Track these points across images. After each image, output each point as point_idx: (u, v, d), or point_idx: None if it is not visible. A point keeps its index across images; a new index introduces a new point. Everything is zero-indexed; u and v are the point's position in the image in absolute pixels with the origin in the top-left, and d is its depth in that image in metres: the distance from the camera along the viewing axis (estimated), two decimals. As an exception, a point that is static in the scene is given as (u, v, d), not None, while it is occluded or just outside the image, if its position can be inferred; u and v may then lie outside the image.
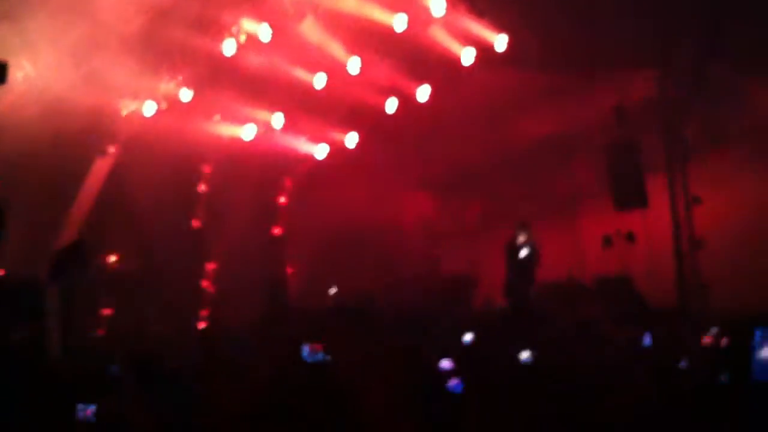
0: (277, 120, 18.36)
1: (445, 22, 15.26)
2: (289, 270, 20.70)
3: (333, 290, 18.21)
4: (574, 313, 14.09)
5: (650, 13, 13.40)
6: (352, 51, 16.19)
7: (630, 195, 16.09)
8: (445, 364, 9.76)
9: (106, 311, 17.38)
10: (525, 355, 11.20)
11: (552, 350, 11.86)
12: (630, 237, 15.84)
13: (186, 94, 16.86)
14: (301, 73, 16.82)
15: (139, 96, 16.86)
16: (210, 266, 19.97)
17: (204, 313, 19.41)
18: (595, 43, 14.12)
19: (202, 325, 18.96)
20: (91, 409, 5.52)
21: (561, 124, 16.49)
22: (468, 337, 12.17)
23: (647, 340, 11.70)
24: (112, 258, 18.43)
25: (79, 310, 14.83)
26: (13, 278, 15.57)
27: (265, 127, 18.58)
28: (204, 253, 19.88)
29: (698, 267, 15.25)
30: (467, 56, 15.82)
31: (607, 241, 16.12)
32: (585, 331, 12.82)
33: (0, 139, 15.04)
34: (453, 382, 7.36)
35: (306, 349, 12.83)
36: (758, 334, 10.18)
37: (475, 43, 15.57)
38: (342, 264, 18.66)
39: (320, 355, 13.83)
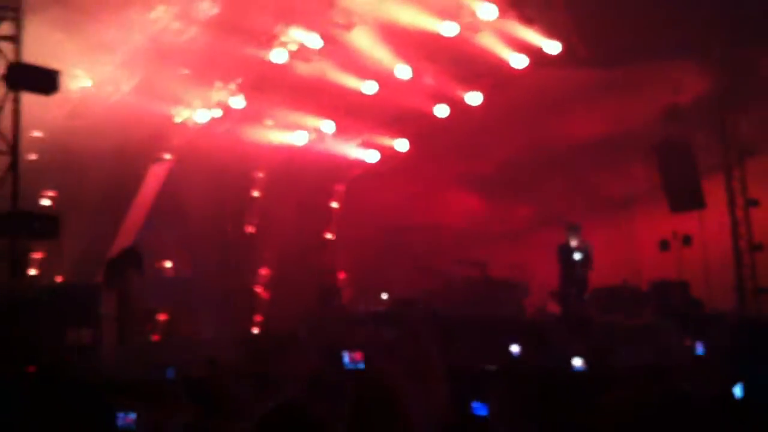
0: (328, 126, 18.51)
1: (496, 28, 15.20)
2: (341, 275, 20.72)
3: (384, 296, 18.15)
4: (629, 319, 13.80)
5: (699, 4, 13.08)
6: (401, 58, 16.26)
7: (685, 196, 15.71)
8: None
9: (162, 316, 17.58)
10: (577, 362, 11.00)
11: (607, 357, 11.67)
12: (686, 240, 15.44)
13: (238, 102, 17.05)
14: (351, 81, 16.94)
15: (192, 104, 17.06)
16: (263, 271, 20.12)
17: (257, 318, 19.55)
18: (645, 38, 13.82)
19: (255, 330, 19.10)
20: (132, 417, 5.57)
21: (612, 124, 16.13)
22: (515, 348, 11.98)
23: (700, 348, 11.43)
24: (168, 264, 18.69)
25: (134, 315, 15.01)
26: (71, 284, 15.94)
27: (317, 133, 18.72)
28: (257, 259, 20.04)
29: (757, 271, 14.83)
30: (518, 61, 15.82)
31: (664, 245, 15.72)
32: (641, 338, 12.57)
33: (56, 148, 15.42)
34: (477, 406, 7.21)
35: (346, 357, 12.85)
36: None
37: (526, 48, 15.55)
38: (393, 268, 18.60)
39: (360, 364, 13.84)
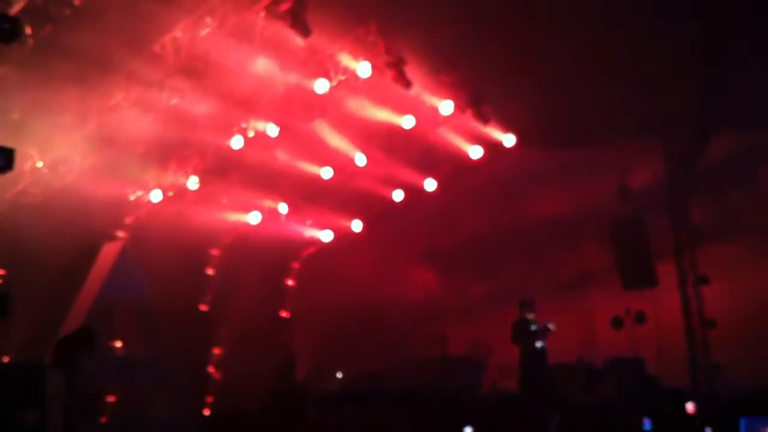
0: (283, 207, 18.75)
1: (453, 122, 15.99)
2: (298, 352, 20.51)
3: (339, 374, 18.00)
4: (587, 396, 13.84)
5: (651, 87, 13.57)
6: (359, 147, 16.85)
7: (638, 274, 15.99)
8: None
9: (111, 398, 17.16)
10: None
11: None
12: (639, 317, 15.65)
13: (193, 183, 17.06)
14: (307, 166, 17.37)
15: (146, 185, 17.05)
16: (216, 350, 19.83)
17: (209, 399, 19.17)
18: (597, 121, 14.31)
19: (206, 412, 18.71)
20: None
21: (568, 204, 16.57)
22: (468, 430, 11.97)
23: (647, 425, 11.54)
24: (118, 343, 18.33)
25: (83, 396, 14.63)
26: (18, 364, 15.49)
27: (271, 214, 18.87)
28: (211, 338, 19.77)
29: (710, 347, 15.05)
30: (474, 152, 16.78)
31: (617, 322, 15.89)
32: (602, 416, 12.63)
33: (6, 227, 15.18)
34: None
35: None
36: (743, 423, 10.09)
37: (482, 140, 16.42)
38: (350, 344, 18.53)
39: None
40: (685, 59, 12.58)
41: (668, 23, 11.68)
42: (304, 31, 12.42)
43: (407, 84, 14.30)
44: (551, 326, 13.15)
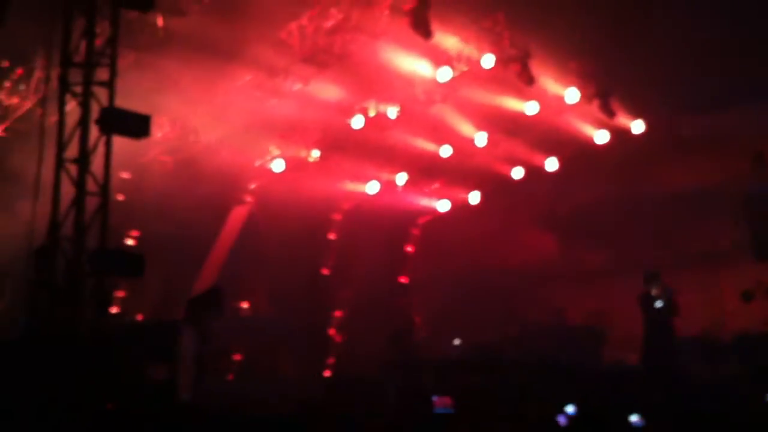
0: (401, 178, 19.04)
1: (579, 109, 15.63)
2: (416, 318, 20.70)
3: (457, 341, 18.04)
4: (711, 371, 13.41)
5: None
6: (480, 128, 16.78)
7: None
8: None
9: (237, 357, 17.79)
10: (635, 419, 10.79)
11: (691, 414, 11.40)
12: (772, 291, 14.99)
13: (314, 155, 17.66)
14: (426, 144, 17.52)
15: (269, 155, 17.63)
16: (337, 314, 20.23)
17: (330, 360, 19.62)
18: (728, 89, 13.69)
19: (327, 373, 19.15)
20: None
21: (696, 176, 15.90)
22: (570, 409, 11.82)
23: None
24: (245, 305, 18.96)
25: (212, 353, 15.23)
26: (151, 322, 16.30)
27: (389, 185, 19.19)
28: (332, 301, 20.18)
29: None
30: (601, 137, 16.27)
31: (747, 296, 15.27)
32: (724, 393, 12.22)
33: (140, 190, 15.98)
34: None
35: (435, 401, 12.79)
36: None
37: (610, 126, 15.92)
38: (467, 312, 18.51)
39: (449, 408, 13.75)
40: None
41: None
42: (425, 33, 12.61)
43: (530, 80, 14.22)
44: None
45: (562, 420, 11.71)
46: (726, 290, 15.97)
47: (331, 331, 20.06)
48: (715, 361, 13.96)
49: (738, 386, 12.68)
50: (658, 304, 13.67)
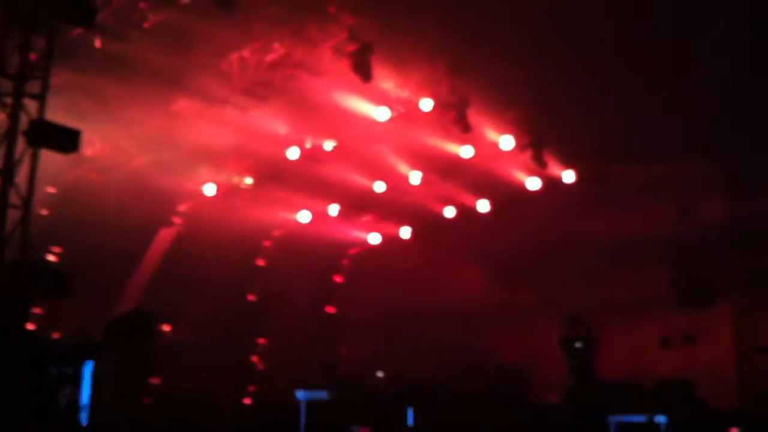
0: (333, 209, 19.11)
1: (512, 156, 16.03)
2: (342, 349, 20.65)
3: (380, 374, 18.06)
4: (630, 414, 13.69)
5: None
6: (415, 167, 17.10)
7: (694, 293, 15.78)
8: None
9: (155, 380, 17.41)
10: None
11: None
12: (689, 338, 15.46)
13: (247, 182, 17.67)
14: (361, 179, 17.65)
15: (201, 179, 17.56)
16: (261, 341, 20.01)
17: (251, 388, 19.36)
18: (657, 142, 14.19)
19: (247, 401, 18.90)
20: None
21: (626, 223, 16.32)
22: None
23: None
24: (168, 328, 18.58)
25: (131, 376, 14.91)
26: (71, 341, 15.80)
27: (321, 215, 19.23)
28: (256, 328, 19.96)
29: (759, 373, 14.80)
30: (533, 184, 16.84)
31: (666, 342, 15.72)
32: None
33: (66, 206, 15.61)
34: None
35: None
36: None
37: (542, 174, 16.48)
38: (394, 346, 18.56)
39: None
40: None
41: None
42: (366, 76, 12.73)
43: (467, 128, 14.54)
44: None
45: None
46: (648, 336, 16.35)
47: (254, 359, 19.81)
48: (636, 404, 14.24)
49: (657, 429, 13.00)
50: (578, 345, 14.01)
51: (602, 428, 12.99)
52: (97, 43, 12.36)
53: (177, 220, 18.39)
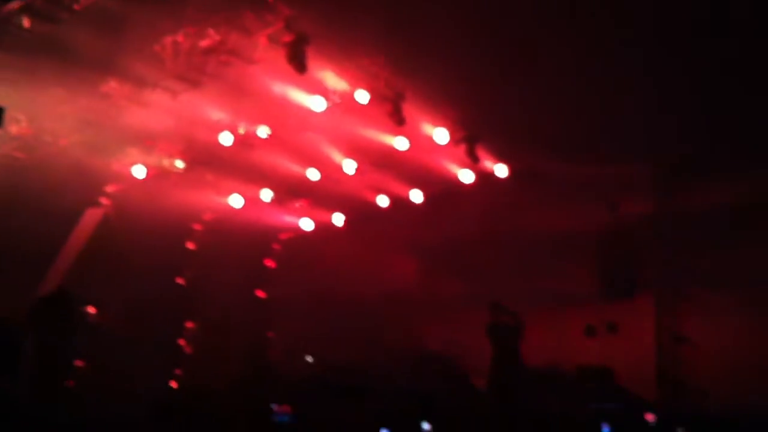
0: (266, 194, 19.07)
1: (447, 149, 16.17)
2: (271, 334, 20.65)
3: (309, 358, 18.13)
4: (555, 403, 14.07)
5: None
6: (350, 156, 17.14)
7: (619, 284, 16.20)
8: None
9: (80, 363, 17.13)
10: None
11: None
12: (612, 327, 15.91)
13: (177, 165, 17.42)
14: (294, 167, 17.64)
15: (130, 160, 17.30)
16: (189, 325, 19.86)
17: (178, 372, 19.22)
18: (588, 138, 14.50)
19: (174, 385, 18.77)
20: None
21: (556, 217, 16.67)
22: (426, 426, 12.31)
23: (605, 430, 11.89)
24: (93, 310, 18.28)
25: (54, 359, 14.64)
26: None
27: (254, 200, 19.17)
28: (186, 312, 19.80)
29: (680, 363, 15.30)
30: (466, 177, 17.17)
31: (590, 330, 16.14)
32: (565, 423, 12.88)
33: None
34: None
35: (275, 409, 12.96)
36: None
37: (476, 168, 16.73)
38: (324, 332, 18.63)
39: (287, 417, 13.89)
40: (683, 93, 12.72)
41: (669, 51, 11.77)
42: (301, 68, 12.56)
43: (401, 122, 14.57)
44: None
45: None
46: (573, 326, 16.75)
47: (182, 342, 19.66)
48: (557, 393, 14.61)
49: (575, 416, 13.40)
50: (504, 332, 14.33)
51: (522, 414, 13.32)
52: (26, 23, 12.07)
53: (105, 201, 18.10)
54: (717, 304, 14.83)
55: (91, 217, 18.09)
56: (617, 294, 16.26)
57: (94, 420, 13.45)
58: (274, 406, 13.85)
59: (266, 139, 16.14)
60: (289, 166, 17.51)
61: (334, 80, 14.23)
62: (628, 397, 14.51)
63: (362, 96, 14.32)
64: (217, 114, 15.62)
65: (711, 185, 14.86)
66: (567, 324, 16.79)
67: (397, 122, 14.55)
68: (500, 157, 16.50)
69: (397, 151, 16.21)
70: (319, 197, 19.29)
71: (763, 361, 13.79)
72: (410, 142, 15.98)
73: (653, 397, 14.96)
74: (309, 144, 16.57)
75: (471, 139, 15.64)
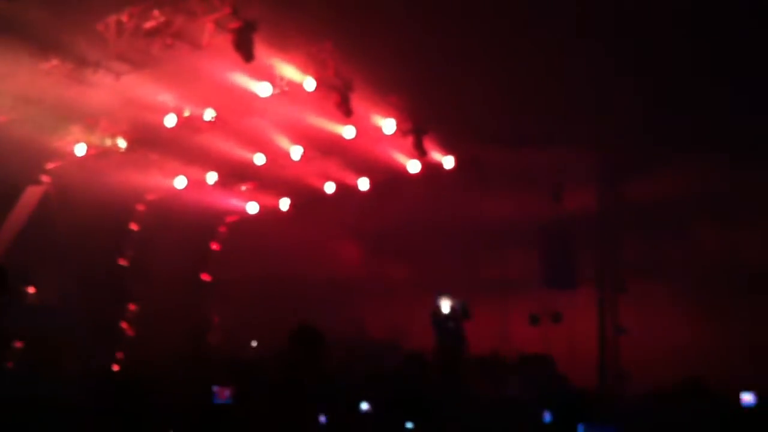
0: (211, 177, 18.85)
1: (394, 138, 16.32)
2: (215, 317, 20.47)
3: (254, 343, 18.05)
4: (496, 389, 14.23)
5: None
6: (297, 143, 17.11)
7: (560, 274, 16.39)
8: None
9: (18, 344, 16.79)
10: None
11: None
12: (556, 317, 16.09)
13: (120, 144, 17.12)
14: (241, 151, 17.50)
15: (71, 138, 16.89)
16: (131, 307, 19.59)
17: (119, 355, 18.96)
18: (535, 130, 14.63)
19: (115, 368, 18.50)
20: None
21: (500, 206, 16.85)
22: (365, 406, 12.41)
23: (547, 417, 12.08)
24: (32, 290, 17.91)
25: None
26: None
27: (198, 182, 18.91)
28: (127, 293, 19.51)
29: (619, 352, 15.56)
30: (413, 167, 17.49)
31: (534, 319, 16.33)
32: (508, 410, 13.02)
33: None
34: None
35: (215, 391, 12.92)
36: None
37: (423, 159, 16.96)
38: (268, 316, 18.51)
39: (229, 399, 13.83)
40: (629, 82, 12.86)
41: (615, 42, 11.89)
42: (248, 56, 12.46)
43: (348, 112, 14.61)
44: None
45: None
46: (517, 315, 16.91)
47: (124, 324, 19.39)
48: (499, 380, 14.77)
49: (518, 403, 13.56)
50: (449, 320, 14.39)
51: (467, 401, 13.40)
52: None
53: (45, 178, 17.68)
54: (654, 294, 15.14)
55: (31, 195, 17.67)
56: (559, 284, 16.46)
57: (29, 398, 13.15)
58: (215, 388, 13.74)
59: (212, 122, 15.97)
60: (235, 150, 17.33)
61: (282, 67, 14.09)
62: (568, 384, 14.72)
63: (310, 83, 14.26)
64: (162, 96, 15.34)
65: (652, 179, 15.12)
66: (512, 313, 16.94)
67: (345, 113, 14.54)
68: (447, 149, 16.69)
69: (344, 139, 16.20)
70: (265, 182, 19.19)
71: (692, 346, 14.17)
72: (358, 131, 16.00)
73: (594, 384, 15.21)
74: (256, 129, 16.44)
75: (418, 131, 15.75)
